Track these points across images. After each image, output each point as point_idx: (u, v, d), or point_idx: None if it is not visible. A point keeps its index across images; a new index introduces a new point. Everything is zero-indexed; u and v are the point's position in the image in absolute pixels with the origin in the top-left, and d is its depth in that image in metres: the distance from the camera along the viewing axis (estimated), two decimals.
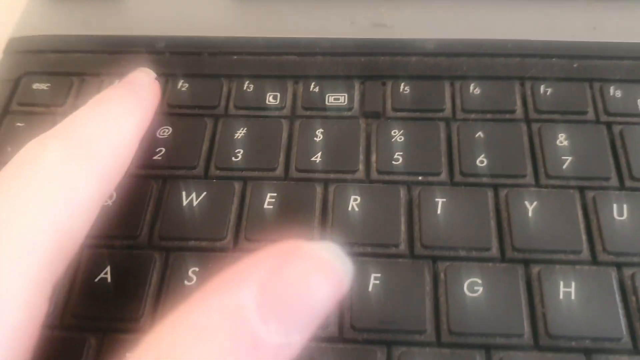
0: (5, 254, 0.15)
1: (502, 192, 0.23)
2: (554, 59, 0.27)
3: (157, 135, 0.25)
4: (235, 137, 0.25)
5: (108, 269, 0.22)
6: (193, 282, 0.22)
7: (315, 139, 0.25)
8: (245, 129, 0.25)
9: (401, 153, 0.24)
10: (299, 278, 0.14)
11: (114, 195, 0.24)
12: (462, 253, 0.22)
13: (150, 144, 0.25)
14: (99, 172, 0.19)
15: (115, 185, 0.20)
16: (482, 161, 0.24)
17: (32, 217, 0.16)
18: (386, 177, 0.24)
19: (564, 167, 0.24)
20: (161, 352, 0.13)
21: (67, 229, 0.17)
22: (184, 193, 0.24)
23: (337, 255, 0.15)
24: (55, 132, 0.19)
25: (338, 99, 0.26)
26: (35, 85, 0.27)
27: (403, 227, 0.23)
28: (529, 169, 0.24)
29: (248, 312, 0.13)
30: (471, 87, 0.26)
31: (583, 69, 0.27)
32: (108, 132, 0.20)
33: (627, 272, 0.22)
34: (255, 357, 0.13)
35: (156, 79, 0.24)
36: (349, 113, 0.26)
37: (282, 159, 0.25)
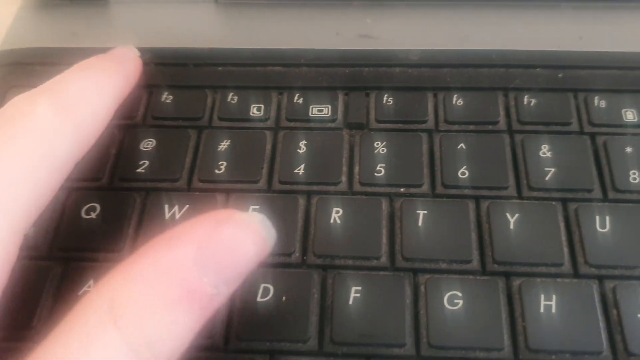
0: None
1: (484, 204, 0.23)
2: (538, 69, 0.27)
3: (141, 147, 0.25)
4: (219, 149, 0.25)
5: (91, 282, 0.22)
6: None
7: (298, 150, 0.25)
8: (229, 140, 0.26)
9: (384, 165, 0.24)
10: (230, 239, 0.16)
11: (98, 208, 0.24)
12: (443, 265, 0.22)
13: (133, 156, 0.25)
14: (79, 135, 0.19)
15: (88, 149, 0.20)
16: (464, 173, 0.24)
17: (17, 171, 0.17)
18: (368, 189, 0.24)
19: (547, 178, 0.24)
20: (115, 292, 0.15)
21: (44, 185, 0.18)
22: (166, 206, 0.24)
23: (263, 223, 0.17)
24: (43, 90, 0.20)
25: (322, 110, 0.26)
26: None
27: (384, 240, 0.23)
28: (511, 181, 0.24)
29: (186, 266, 0.15)
30: (454, 98, 0.26)
31: (568, 79, 0.27)
32: (91, 98, 0.20)
33: (609, 284, 0.22)
34: (191, 304, 0.15)
35: (139, 56, 0.24)
36: (333, 124, 0.26)
37: (265, 170, 0.25)
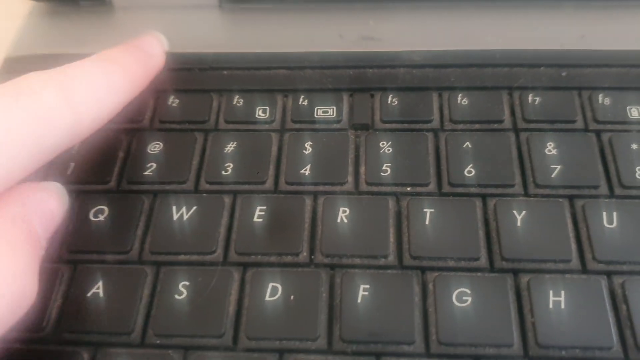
0: None
1: (491, 202, 0.23)
2: (542, 68, 0.27)
3: (148, 150, 0.26)
4: (225, 151, 0.25)
5: (100, 283, 0.22)
6: (183, 296, 0.22)
7: (304, 151, 0.25)
8: (235, 142, 0.26)
9: (390, 164, 0.25)
10: (44, 200, 0.20)
11: (106, 210, 0.24)
12: (451, 263, 0.22)
13: (141, 159, 0.25)
14: (77, 128, 0.20)
15: (81, 140, 0.21)
16: (470, 171, 0.24)
17: (5, 142, 0.18)
18: (375, 189, 0.24)
19: (553, 175, 0.24)
20: None
21: (21, 163, 0.19)
22: (174, 207, 0.24)
23: (62, 190, 0.21)
24: (58, 75, 0.20)
25: (327, 112, 0.27)
26: None
27: (392, 238, 0.23)
28: (518, 179, 0.24)
29: (20, 218, 0.19)
30: (459, 98, 0.26)
31: (572, 77, 0.27)
32: (101, 96, 0.21)
33: (617, 280, 0.22)
34: (28, 248, 0.18)
35: (166, 47, 0.25)
36: (338, 125, 0.26)
37: (271, 172, 0.25)
